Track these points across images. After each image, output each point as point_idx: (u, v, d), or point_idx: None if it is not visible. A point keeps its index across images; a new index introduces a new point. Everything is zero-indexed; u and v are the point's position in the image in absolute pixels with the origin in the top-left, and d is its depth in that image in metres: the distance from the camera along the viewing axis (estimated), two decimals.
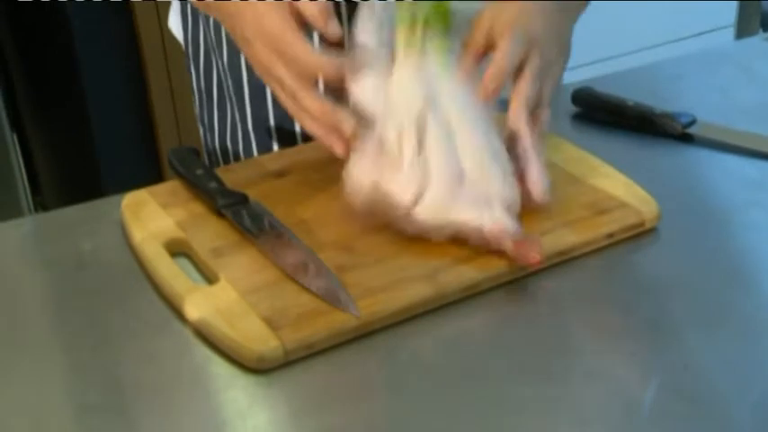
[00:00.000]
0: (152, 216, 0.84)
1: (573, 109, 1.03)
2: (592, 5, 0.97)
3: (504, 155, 0.82)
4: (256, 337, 0.68)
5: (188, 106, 2.03)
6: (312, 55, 0.79)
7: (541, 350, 0.70)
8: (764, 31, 2.51)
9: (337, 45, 0.81)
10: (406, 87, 0.81)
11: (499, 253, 0.76)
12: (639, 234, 0.81)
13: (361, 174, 0.80)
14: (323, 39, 0.82)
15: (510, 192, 0.80)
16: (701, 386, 0.67)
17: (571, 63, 0.89)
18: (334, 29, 0.79)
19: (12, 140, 1.83)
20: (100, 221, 0.87)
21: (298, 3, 0.80)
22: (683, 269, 0.78)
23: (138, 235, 0.81)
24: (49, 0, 1.85)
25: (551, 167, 0.85)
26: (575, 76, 1.07)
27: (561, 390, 0.66)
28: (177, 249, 0.80)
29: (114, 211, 0.86)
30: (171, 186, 0.88)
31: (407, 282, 0.74)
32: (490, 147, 0.80)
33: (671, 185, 0.88)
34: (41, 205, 2.04)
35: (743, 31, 2.45)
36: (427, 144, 0.79)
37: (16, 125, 1.92)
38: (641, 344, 0.70)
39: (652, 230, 0.82)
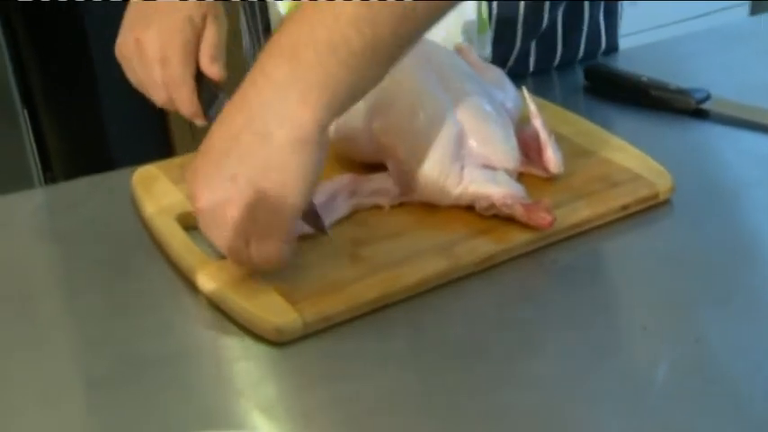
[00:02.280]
0: (163, 191, 0.83)
1: (586, 84, 1.03)
2: None
3: (508, 124, 0.82)
4: (274, 310, 0.68)
5: None
6: (189, 97, 0.83)
7: (554, 325, 0.70)
8: None
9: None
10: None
11: (511, 220, 0.76)
12: (653, 209, 0.81)
13: None
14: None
15: (514, 161, 0.80)
16: (713, 362, 0.67)
17: None
18: (215, 72, 0.83)
19: (23, 116, 1.83)
20: (110, 194, 0.87)
21: (203, 39, 0.83)
22: (695, 245, 0.78)
23: (150, 209, 0.81)
24: None
25: (562, 141, 0.86)
26: None
27: (573, 365, 0.66)
28: (189, 223, 0.79)
29: (124, 183, 0.86)
30: (181, 161, 0.88)
31: (423, 255, 0.73)
32: (490, 112, 0.81)
33: (684, 161, 0.88)
34: (52, 180, 2.05)
35: (757, 8, 2.45)
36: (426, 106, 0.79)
37: (27, 101, 1.91)
38: (653, 318, 0.70)
39: (665, 206, 0.82)
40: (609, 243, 0.78)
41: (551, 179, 0.82)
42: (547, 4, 1.01)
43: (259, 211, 0.66)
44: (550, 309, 0.72)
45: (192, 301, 0.73)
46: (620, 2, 1.10)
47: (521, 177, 0.82)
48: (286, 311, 0.68)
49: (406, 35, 0.66)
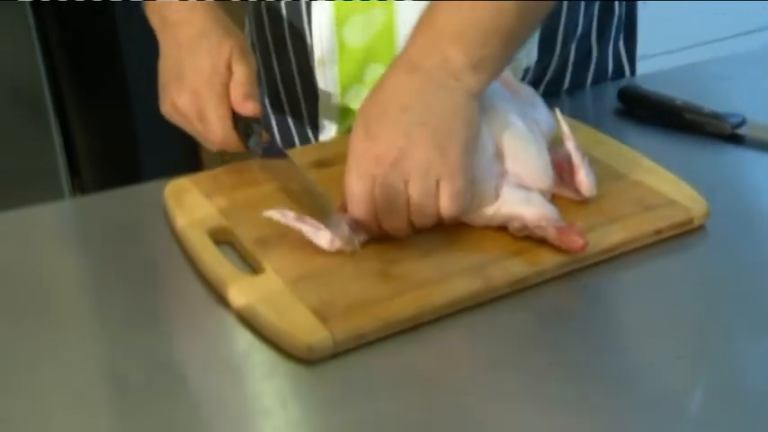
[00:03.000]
0: (195, 204, 0.84)
1: (619, 106, 1.03)
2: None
3: (542, 144, 0.82)
4: (305, 327, 0.68)
5: None
6: (223, 136, 0.87)
7: (586, 348, 0.70)
8: None
9: None
10: None
11: (543, 242, 0.76)
12: (687, 234, 0.81)
13: None
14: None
15: (548, 180, 0.80)
16: (749, 390, 0.66)
17: None
18: (249, 109, 0.87)
19: (55, 125, 1.86)
20: (141, 206, 0.88)
21: (232, 80, 0.87)
22: (730, 271, 0.78)
23: (181, 221, 0.81)
24: None
25: (596, 163, 0.85)
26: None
27: (604, 389, 0.66)
28: (221, 238, 0.80)
29: (154, 196, 0.87)
30: (213, 174, 0.89)
31: (456, 275, 0.73)
32: (525, 132, 0.81)
33: (719, 187, 0.88)
34: (80, 187, 2.07)
35: None
36: None
37: (58, 110, 1.94)
38: (687, 345, 0.70)
39: (700, 231, 0.81)
40: (642, 267, 0.78)
41: (584, 202, 0.82)
42: (582, 6, 1.02)
43: (447, 151, 0.74)
44: (581, 333, 0.72)
45: (221, 314, 0.73)
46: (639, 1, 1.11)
47: (553, 199, 0.82)
48: (317, 329, 0.68)
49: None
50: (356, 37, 0.95)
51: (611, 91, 1.03)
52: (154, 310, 0.75)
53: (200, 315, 0.74)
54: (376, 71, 0.96)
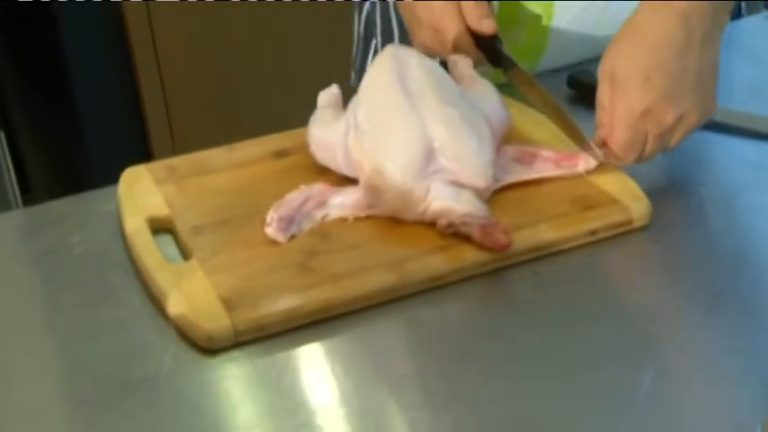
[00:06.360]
0: (144, 191, 0.85)
1: (569, 93, 1.00)
2: None
3: (486, 140, 0.81)
4: (209, 315, 0.69)
5: (179, 98, 2.02)
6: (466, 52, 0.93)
7: (536, 335, 0.70)
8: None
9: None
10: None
11: (468, 240, 0.76)
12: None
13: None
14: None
15: (485, 179, 0.80)
16: (700, 369, 0.66)
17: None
18: (486, 27, 0.92)
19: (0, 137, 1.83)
20: (89, 214, 0.87)
21: (464, 6, 0.93)
22: (682, 253, 0.78)
23: (125, 208, 0.83)
24: None
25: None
26: (570, 57, 1.04)
27: (557, 373, 0.66)
28: (161, 225, 0.81)
29: (103, 203, 0.86)
30: (170, 163, 0.90)
31: (372, 269, 0.73)
32: (466, 128, 0.80)
33: (669, 167, 0.87)
34: (32, 202, 2.00)
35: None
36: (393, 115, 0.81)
37: (4, 121, 1.91)
38: (635, 330, 0.70)
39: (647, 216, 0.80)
40: (584, 256, 0.77)
41: (524, 199, 0.81)
42: None
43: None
44: (517, 323, 0.72)
45: (166, 326, 0.72)
46: None
47: (497, 194, 0.82)
48: (220, 318, 0.69)
49: None
50: None
51: (560, 77, 1.01)
52: (102, 320, 0.74)
53: (146, 322, 0.73)
54: None
